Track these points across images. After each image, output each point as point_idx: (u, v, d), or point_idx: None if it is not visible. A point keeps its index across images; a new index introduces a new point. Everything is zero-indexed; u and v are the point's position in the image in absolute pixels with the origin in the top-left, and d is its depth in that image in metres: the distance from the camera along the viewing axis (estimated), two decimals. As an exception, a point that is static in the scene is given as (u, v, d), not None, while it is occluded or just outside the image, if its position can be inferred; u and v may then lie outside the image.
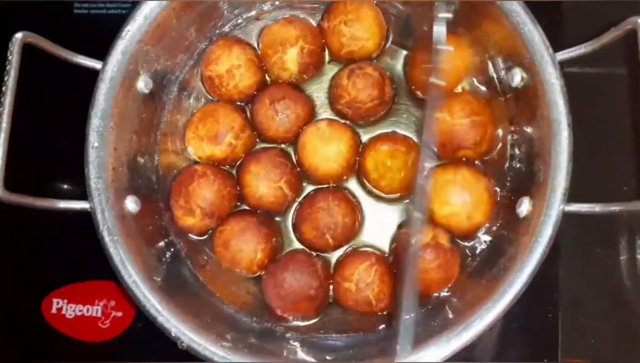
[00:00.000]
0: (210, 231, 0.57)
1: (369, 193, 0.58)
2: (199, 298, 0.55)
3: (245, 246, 0.54)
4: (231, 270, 0.56)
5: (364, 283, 0.53)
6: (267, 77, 0.60)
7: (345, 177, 0.58)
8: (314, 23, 0.59)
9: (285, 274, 0.54)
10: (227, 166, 0.59)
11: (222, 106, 0.58)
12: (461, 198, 0.53)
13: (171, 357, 0.58)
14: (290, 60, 0.57)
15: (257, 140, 0.59)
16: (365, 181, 0.58)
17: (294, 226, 0.58)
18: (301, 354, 0.52)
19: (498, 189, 0.56)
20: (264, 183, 0.55)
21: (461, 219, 0.53)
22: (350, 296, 0.54)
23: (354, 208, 0.57)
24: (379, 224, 0.58)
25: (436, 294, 0.55)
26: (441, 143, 0.55)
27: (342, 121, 0.58)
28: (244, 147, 0.57)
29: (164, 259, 0.55)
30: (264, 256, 0.55)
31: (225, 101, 0.58)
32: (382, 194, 0.57)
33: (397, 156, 0.55)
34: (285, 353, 0.51)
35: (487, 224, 0.55)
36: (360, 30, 0.56)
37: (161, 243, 0.55)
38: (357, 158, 0.57)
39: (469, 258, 0.56)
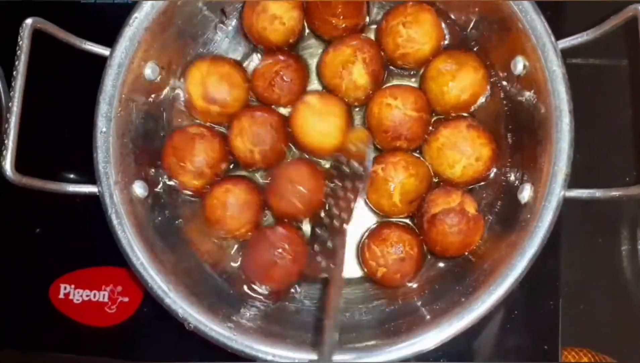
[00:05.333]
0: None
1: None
2: (206, 280, 0.55)
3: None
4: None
5: (382, 259, 0.55)
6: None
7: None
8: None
9: (256, 243, 0.55)
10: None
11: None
12: (458, 152, 0.55)
13: (177, 342, 0.59)
14: None
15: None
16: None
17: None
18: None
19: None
20: (241, 138, 0.56)
21: (474, 165, 0.55)
22: (390, 273, 0.55)
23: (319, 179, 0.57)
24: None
25: (442, 264, 0.57)
26: (384, 129, 0.56)
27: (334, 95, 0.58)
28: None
29: (171, 242, 0.55)
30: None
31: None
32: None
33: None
34: (290, 334, 0.52)
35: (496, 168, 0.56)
36: (417, 33, 0.56)
37: (169, 226, 0.56)
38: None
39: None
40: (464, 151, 0.54)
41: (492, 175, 0.57)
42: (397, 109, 0.55)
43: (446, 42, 0.59)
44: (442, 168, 0.56)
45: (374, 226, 0.59)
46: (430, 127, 0.58)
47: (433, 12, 0.57)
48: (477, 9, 0.55)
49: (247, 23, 0.59)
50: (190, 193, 0.58)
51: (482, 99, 0.57)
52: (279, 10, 0.57)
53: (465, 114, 0.58)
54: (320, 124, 0.56)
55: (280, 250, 0.54)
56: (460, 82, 0.55)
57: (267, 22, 0.57)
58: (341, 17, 0.57)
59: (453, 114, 0.58)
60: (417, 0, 0.57)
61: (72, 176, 0.65)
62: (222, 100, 0.57)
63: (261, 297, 0.56)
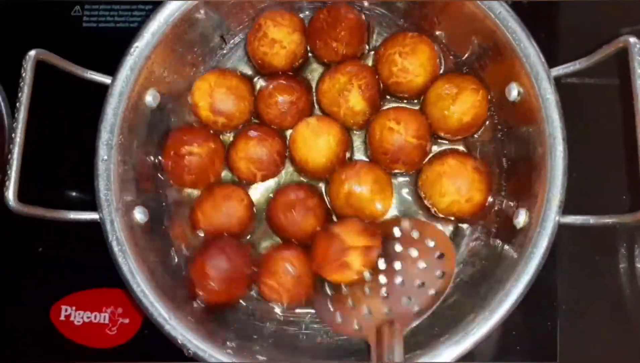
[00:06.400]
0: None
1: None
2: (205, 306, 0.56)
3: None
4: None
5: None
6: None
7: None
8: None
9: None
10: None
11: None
12: (454, 185, 0.55)
13: (178, 363, 0.59)
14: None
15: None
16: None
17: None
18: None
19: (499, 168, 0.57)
20: (246, 161, 0.57)
21: (461, 204, 0.55)
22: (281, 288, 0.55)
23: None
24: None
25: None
26: (383, 151, 0.56)
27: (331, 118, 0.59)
28: None
29: (171, 268, 0.56)
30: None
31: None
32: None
33: None
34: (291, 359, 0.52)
35: (490, 201, 0.56)
36: (412, 65, 0.57)
37: (169, 252, 0.57)
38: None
39: (469, 266, 0.57)
40: (459, 188, 0.55)
41: (467, 225, 0.58)
42: (399, 135, 0.56)
43: (441, 71, 0.60)
44: (432, 192, 0.56)
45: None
46: (440, 149, 0.59)
47: (431, 45, 0.58)
48: (473, 38, 0.56)
49: (250, 51, 0.60)
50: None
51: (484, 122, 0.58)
52: (278, 35, 0.58)
53: (476, 155, 0.59)
54: (313, 140, 0.57)
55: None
56: (461, 105, 0.55)
57: (268, 47, 0.58)
58: (343, 43, 0.58)
59: (458, 137, 0.59)
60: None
61: (73, 201, 0.65)
62: (229, 112, 0.58)
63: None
